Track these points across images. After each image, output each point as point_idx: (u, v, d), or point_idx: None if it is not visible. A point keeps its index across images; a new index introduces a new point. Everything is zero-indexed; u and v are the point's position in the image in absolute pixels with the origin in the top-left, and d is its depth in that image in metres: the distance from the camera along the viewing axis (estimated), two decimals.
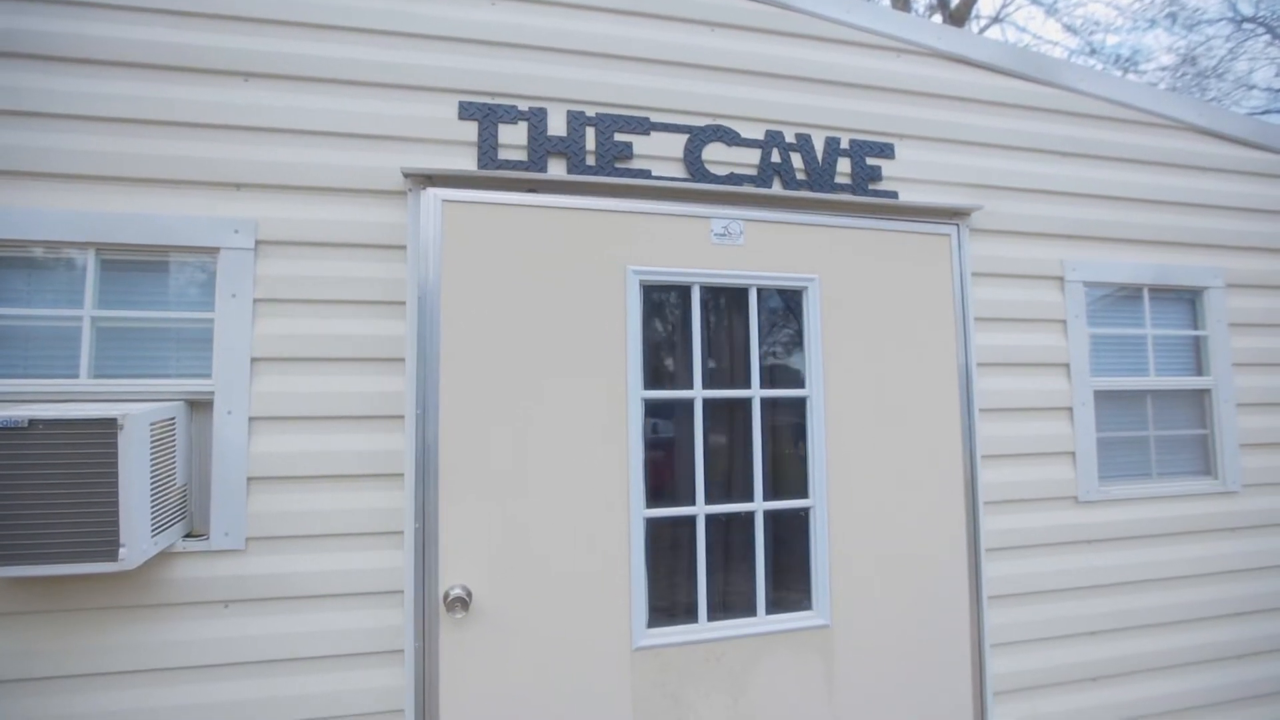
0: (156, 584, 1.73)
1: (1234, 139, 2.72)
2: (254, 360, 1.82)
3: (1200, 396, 2.64)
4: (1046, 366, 2.44)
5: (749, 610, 1.97)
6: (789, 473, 1.94)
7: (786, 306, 2.00)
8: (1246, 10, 12.60)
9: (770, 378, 2.05)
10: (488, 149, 2.00)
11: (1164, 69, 12.27)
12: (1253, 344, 2.66)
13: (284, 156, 1.89)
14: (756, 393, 1.98)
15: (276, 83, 1.90)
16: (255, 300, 1.83)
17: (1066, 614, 2.37)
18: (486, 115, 2.01)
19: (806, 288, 2.04)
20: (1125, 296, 2.60)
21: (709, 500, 1.95)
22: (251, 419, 1.81)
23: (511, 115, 2.03)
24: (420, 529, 1.85)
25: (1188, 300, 2.68)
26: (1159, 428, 2.60)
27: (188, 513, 1.81)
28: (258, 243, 1.85)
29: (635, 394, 1.90)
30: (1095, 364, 2.52)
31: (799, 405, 2.01)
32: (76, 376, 1.74)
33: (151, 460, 1.62)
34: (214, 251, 1.83)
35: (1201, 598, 2.49)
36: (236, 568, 1.78)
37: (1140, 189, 2.60)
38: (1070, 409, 2.44)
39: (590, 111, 2.09)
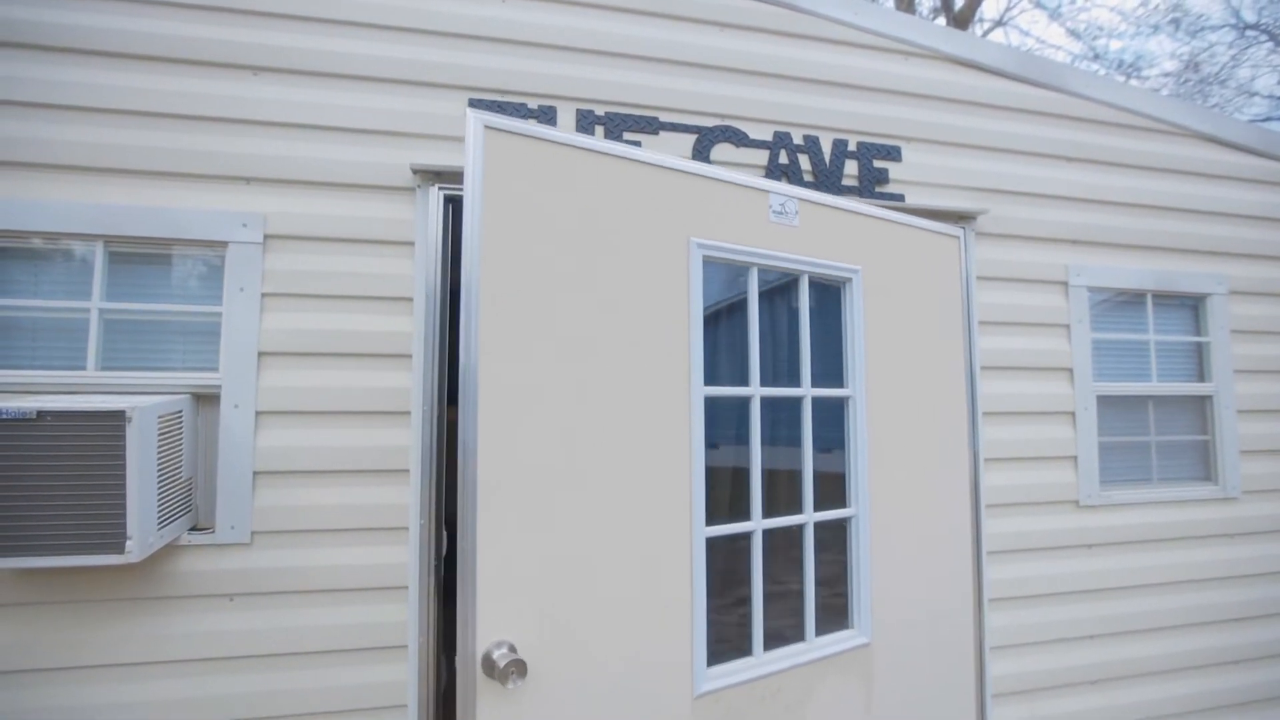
0: (161, 577, 1.73)
1: (1238, 146, 2.73)
2: (261, 354, 1.82)
3: (1201, 402, 2.65)
4: (1049, 371, 2.45)
5: (798, 635, 1.69)
6: (825, 479, 1.77)
7: (823, 300, 1.83)
8: (1249, 17, 12.62)
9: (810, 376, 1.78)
10: None
11: (1167, 75, 12.29)
12: (1254, 351, 2.67)
13: (292, 151, 1.89)
14: (808, 391, 1.74)
15: (285, 77, 1.90)
16: (263, 294, 1.84)
17: (1065, 617, 2.38)
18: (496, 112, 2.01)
19: (851, 279, 1.82)
20: (1128, 302, 2.61)
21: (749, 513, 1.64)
22: (258, 413, 1.81)
23: (521, 113, 2.03)
24: (426, 524, 1.85)
25: (1190, 306, 2.69)
26: (1160, 433, 2.61)
27: (193, 506, 1.82)
28: (266, 237, 1.85)
29: (697, 390, 1.55)
30: (1098, 369, 2.52)
31: (835, 406, 1.82)
32: (83, 369, 1.75)
33: (159, 453, 1.62)
34: (222, 245, 1.83)
35: (1200, 603, 2.51)
36: (242, 561, 1.78)
37: (1144, 195, 2.60)
38: (1073, 413, 2.45)
39: (600, 110, 2.10)
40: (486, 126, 1.29)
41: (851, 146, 2.31)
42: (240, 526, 1.78)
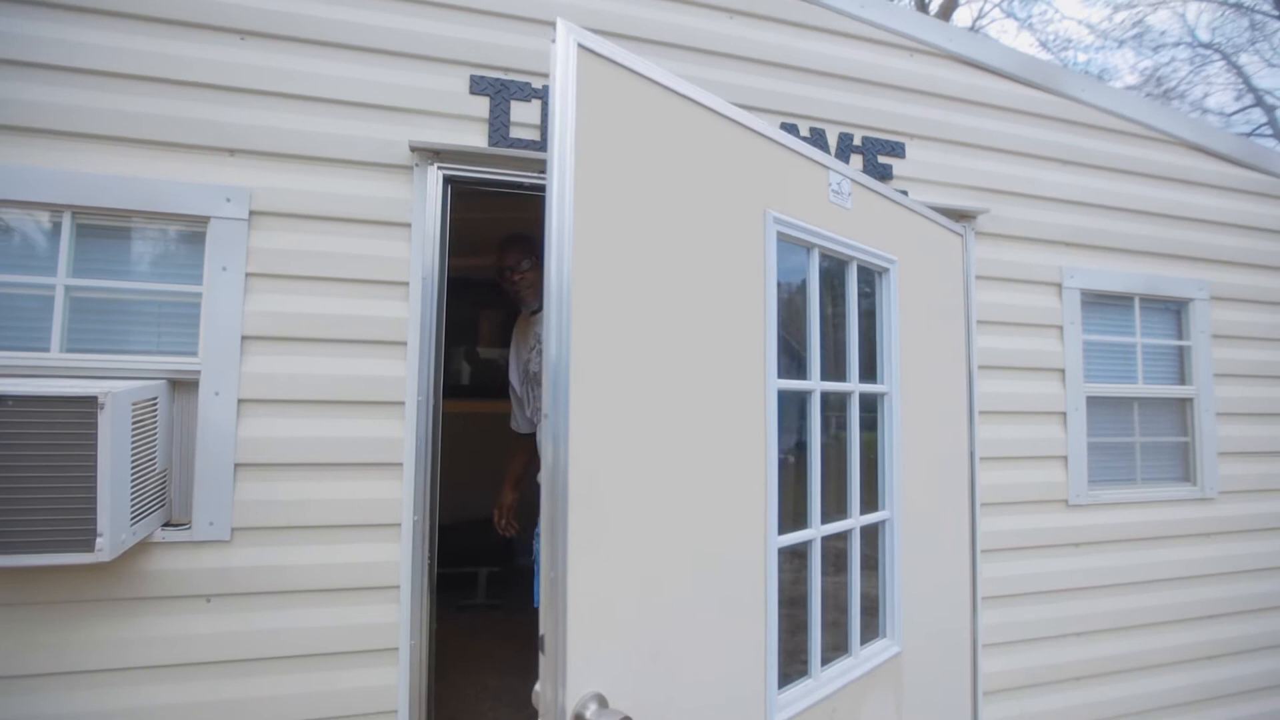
0: (133, 576, 1.61)
1: (1222, 156, 2.79)
2: (245, 339, 1.71)
3: (1182, 405, 2.71)
4: (1042, 371, 2.47)
5: (843, 648, 1.57)
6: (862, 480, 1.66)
7: (860, 290, 1.72)
8: (1204, 36, 13.15)
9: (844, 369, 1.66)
10: (499, 126, 1.91)
11: (1130, 88, 12.73)
12: (1233, 355, 2.74)
13: (281, 123, 1.77)
14: (856, 387, 1.62)
15: (274, 43, 1.78)
16: (248, 275, 1.72)
17: (1054, 615, 2.41)
18: (499, 91, 1.92)
19: (889, 270, 1.72)
20: (1113, 305, 2.65)
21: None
22: (241, 401, 1.69)
23: (525, 93, 1.94)
24: (420, 521, 1.76)
25: (1174, 311, 2.75)
26: (1143, 434, 2.66)
27: (167, 500, 1.69)
28: (252, 213, 1.73)
29: (772, 383, 1.37)
30: (1086, 370, 2.56)
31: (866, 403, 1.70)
32: (46, 350, 1.60)
33: (132, 442, 1.49)
34: (203, 221, 1.70)
35: (1179, 600, 2.56)
36: (221, 560, 1.66)
37: (1134, 200, 2.65)
38: (1064, 413, 2.48)
39: None
40: (580, 47, 1.00)
41: (857, 141, 2.28)
42: (219, 522, 1.66)
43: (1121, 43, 12.37)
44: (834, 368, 1.60)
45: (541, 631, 0.92)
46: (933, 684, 1.81)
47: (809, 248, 1.51)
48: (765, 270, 1.37)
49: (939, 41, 2.42)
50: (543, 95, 1.96)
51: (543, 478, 0.94)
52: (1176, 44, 12.96)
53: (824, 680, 1.47)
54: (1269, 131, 11.94)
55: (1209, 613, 2.59)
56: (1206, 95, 12.61)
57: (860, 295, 1.66)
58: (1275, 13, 11.57)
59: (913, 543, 1.73)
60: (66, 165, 1.63)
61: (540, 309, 2.23)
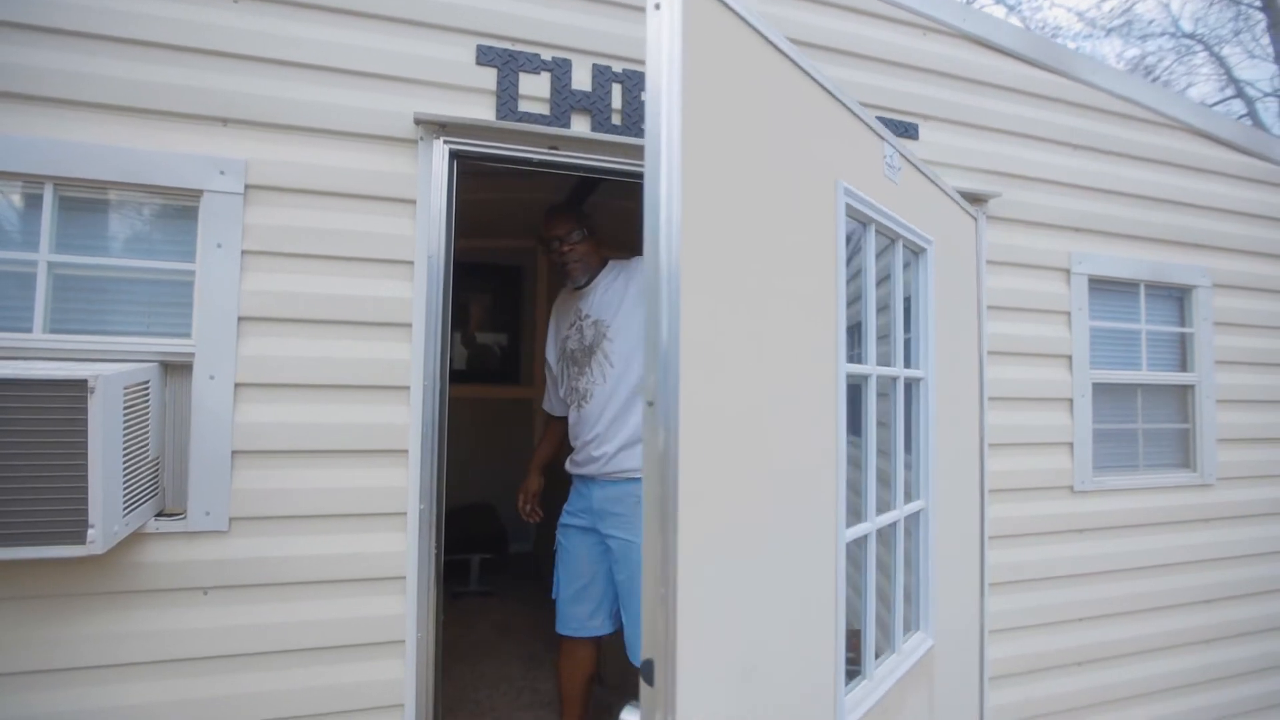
0: (126, 568, 1.53)
1: (1226, 143, 2.78)
2: (241, 319, 1.62)
3: (1183, 391, 2.72)
4: (1050, 357, 2.46)
5: (887, 644, 1.50)
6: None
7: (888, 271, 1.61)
8: (1187, 27, 13.25)
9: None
10: (507, 99, 1.83)
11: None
12: (1233, 343, 2.75)
13: (278, 91, 1.67)
14: (902, 372, 1.54)
15: (270, 7, 1.68)
16: (244, 252, 1.63)
17: (1058, 601, 2.41)
18: (507, 63, 1.83)
19: (927, 250, 1.64)
20: (1120, 291, 2.64)
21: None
22: (238, 385, 1.61)
23: (534, 65, 1.86)
24: (426, 510, 1.70)
25: (1176, 298, 2.75)
26: (1145, 421, 2.66)
27: (160, 489, 1.61)
28: (247, 187, 1.63)
29: (842, 365, 1.26)
30: (1092, 356, 2.55)
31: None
32: (29, 331, 1.51)
33: (124, 428, 1.41)
34: (195, 194, 1.61)
35: (1178, 585, 2.58)
36: (218, 550, 1.59)
37: (1142, 186, 2.63)
38: (1070, 400, 2.47)
39: (617, 67, 1.94)
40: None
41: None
42: (216, 512, 1.59)
43: (1109, 31, 12.42)
44: (881, 352, 1.52)
45: (646, 656, 0.81)
46: (949, 674, 1.79)
47: (866, 223, 1.40)
48: (836, 245, 1.26)
49: (952, 20, 2.37)
50: (552, 68, 1.88)
51: (647, 475, 0.81)
52: (1161, 34, 13.05)
53: (878, 680, 1.39)
54: (1249, 123, 12.11)
55: (1208, 597, 2.62)
56: (1190, 85, 12.73)
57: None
58: (1258, 4, 11.68)
59: (944, 531, 1.70)
60: (47, 133, 1.52)
61: (587, 284, 2.10)
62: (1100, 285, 2.58)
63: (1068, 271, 2.49)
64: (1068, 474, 2.45)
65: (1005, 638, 2.32)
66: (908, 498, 1.57)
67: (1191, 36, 13.08)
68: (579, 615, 2.04)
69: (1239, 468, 2.71)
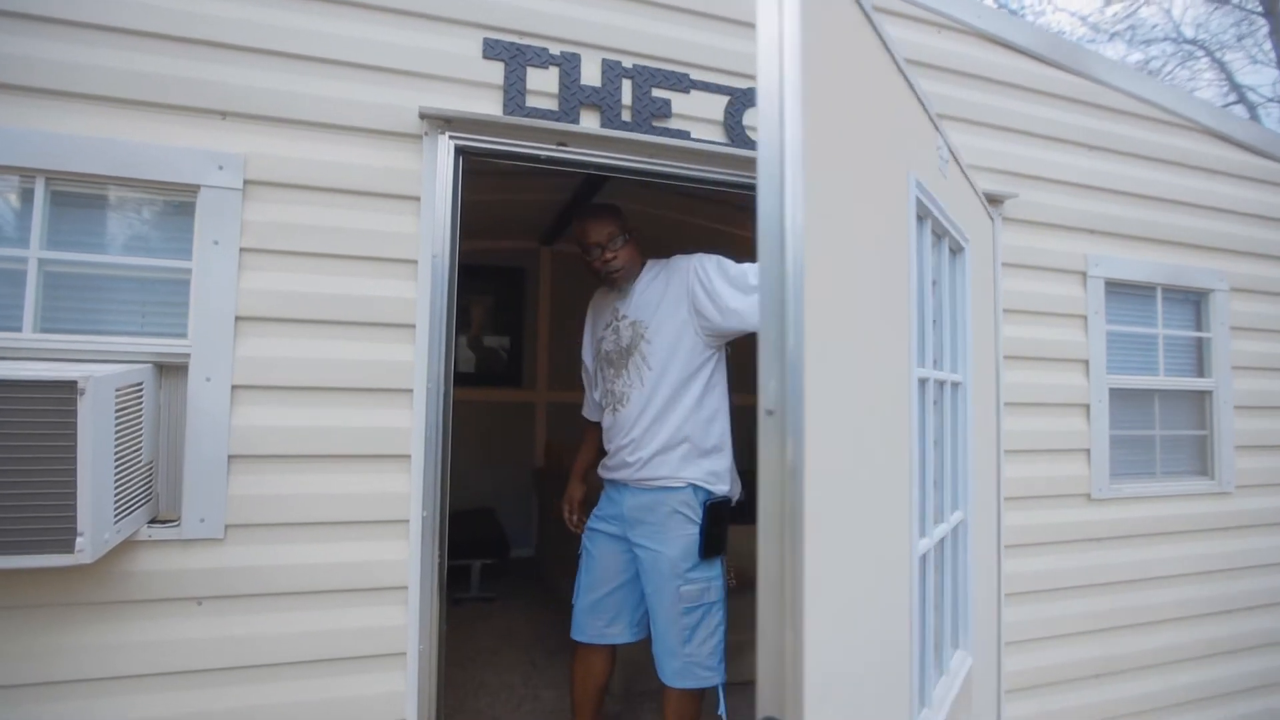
0: (118, 578, 1.47)
1: (1244, 145, 2.74)
2: (239, 319, 1.57)
3: (1200, 397, 2.67)
4: (1066, 362, 2.41)
5: (939, 664, 1.40)
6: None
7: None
8: (1189, 33, 13.24)
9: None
10: (514, 94, 1.78)
11: None
12: (1251, 348, 2.70)
13: (278, 84, 1.62)
14: (949, 376, 1.46)
15: None
16: (242, 249, 1.57)
17: (1075, 611, 2.35)
18: (514, 56, 1.78)
19: (965, 249, 1.57)
20: (1136, 295, 2.59)
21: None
22: (234, 387, 1.56)
23: (542, 59, 1.81)
24: (430, 517, 1.64)
25: (1193, 302, 2.70)
26: (1163, 427, 2.61)
27: (154, 494, 1.55)
28: (246, 182, 1.58)
29: (915, 369, 1.19)
30: (1109, 362, 2.49)
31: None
32: (19, 330, 1.45)
33: (116, 433, 1.35)
34: (192, 190, 1.55)
35: (1197, 595, 2.53)
36: (213, 559, 1.53)
37: (1158, 187, 2.58)
38: (1087, 405, 2.41)
39: (627, 63, 1.89)
40: None
41: None
42: (211, 519, 1.53)
43: (1112, 36, 12.40)
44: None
45: (768, 716, 0.71)
46: (977, 690, 1.73)
47: (924, 217, 1.30)
48: (909, 241, 1.18)
49: (967, 18, 2.32)
50: (560, 62, 1.83)
51: (765, 494, 0.72)
52: (1163, 39, 13.03)
53: (937, 705, 1.28)
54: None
55: (1228, 607, 2.56)
56: (1193, 91, 12.72)
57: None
58: (1260, 9, 11.67)
59: (979, 542, 1.63)
60: (39, 125, 1.47)
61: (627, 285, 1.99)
62: (1117, 289, 2.53)
63: (1084, 274, 2.44)
64: (1085, 481, 2.39)
65: (1021, 649, 2.27)
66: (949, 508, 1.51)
67: (1193, 42, 13.08)
68: (596, 624, 1.97)
69: (1258, 475, 2.66)
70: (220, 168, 1.56)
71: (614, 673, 2.06)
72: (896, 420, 1.12)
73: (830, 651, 0.80)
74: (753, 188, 1.93)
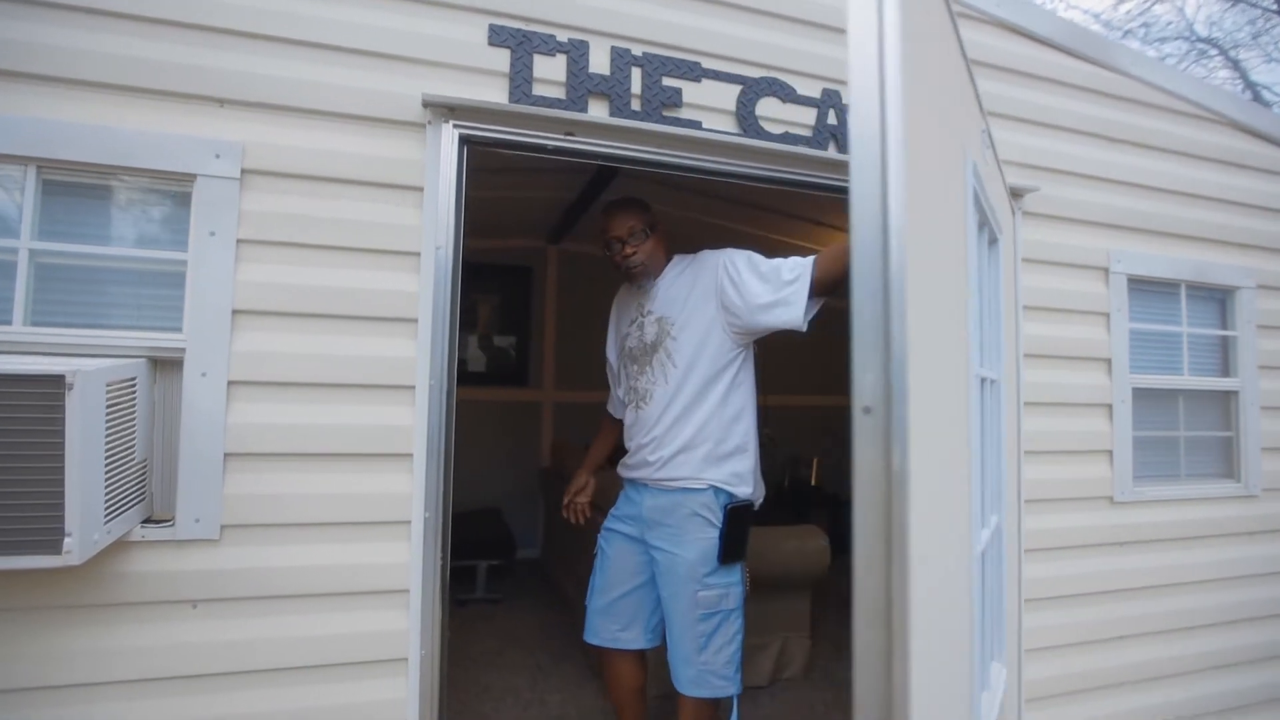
0: (109, 579, 1.42)
1: (1272, 139, 2.66)
2: (235, 313, 1.52)
3: (1226, 398, 2.59)
4: (1088, 361, 2.33)
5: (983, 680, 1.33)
6: None
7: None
8: (1202, 31, 13.08)
9: None
10: (520, 82, 1.72)
11: None
12: (1278, 347, 2.62)
13: (278, 70, 1.57)
14: (990, 373, 1.41)
15: None
16: (239, 241, 1.52)
17: (1097, 618, 2.28)
18: (521, 43, 1.73)
19: (999, 240, 1.53)
20: (1160, 292, 2.51)
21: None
22: (231, 383, 1.51)
23: (549, 46, 1.75)
24: (432, 518, 1.59)
25: (1219, 299, 2.62)
26: (1187, 428, 2.53)
27: (148, 493, 1.50)
28: (244, 172, 1.53)
29: (975, 368, 1.15)
30: (1131, 361, 2.42)
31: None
32: (9, 323, 1.41)
33: (107, 429, 1.31)
34: (189, 179, 1.51)
35: (1223, 602, 2.45)
36: (208, 561, 1.48)
37: (1183, 181, 2.51)
38: (1110, 405, 2.34)
39: (636, 50, 1.84)
40: None
41: None
42: (207, 519, 1.48)
43: (1125, 33, 12.25)
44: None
45: None
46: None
47: (977, 204, 1.26)
48: (967, 229, 1.13)
49: (987, 7, 2.26)
50: (568, 50, 1.77)
51: (861, 501, 0.65)
52: (1176, 38, 12.87)
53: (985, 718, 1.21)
54: None
55: (1254, 614, 2.48)
56: None
57: None
58: (1275, 7, 11.51)
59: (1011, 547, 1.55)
60: (30, 111, 1.42)
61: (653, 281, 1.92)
62: (1140, 285, 2.45)
63: (1106, 270, 2.37)
64: (1107, 483, 2.32)
65: (1041, 657, 2.19)
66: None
67: (1207, 41, 12.92)
68: (609, 628, 1.89)
69: None
70: (217, 156, 1.51)
71: (646, 673, 1.97)
72: (962, 419, 1.05)
73: (931, 688, 0.73)
74: (765, 179, 1.89)
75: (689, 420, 1.78)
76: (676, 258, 1.94)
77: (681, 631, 1.75)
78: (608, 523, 1.97)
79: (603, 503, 2.03)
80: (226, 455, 1.50)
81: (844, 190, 1.91)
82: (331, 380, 1.57)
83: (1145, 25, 11.97)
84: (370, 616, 1.57)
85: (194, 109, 1.52)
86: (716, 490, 1.76)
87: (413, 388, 1.61)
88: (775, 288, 1.70)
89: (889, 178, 0.68)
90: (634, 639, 1.88)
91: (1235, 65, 12.64)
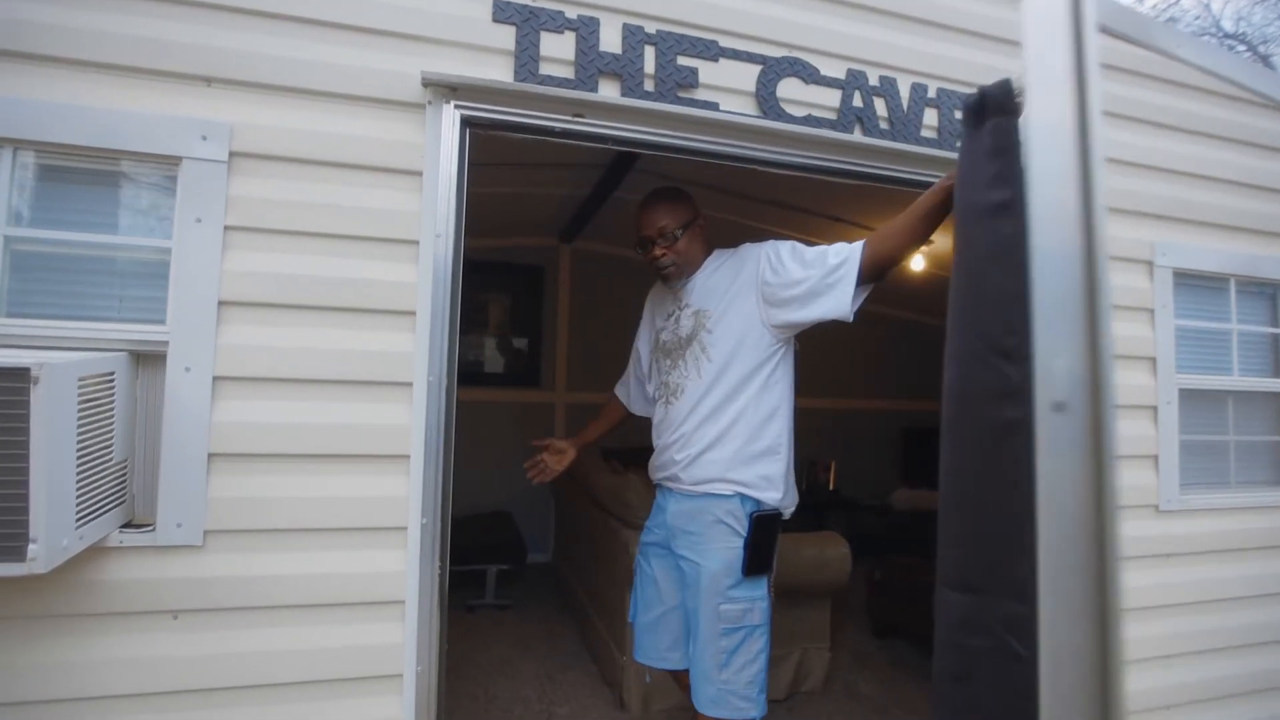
0: (84, 588, 1.33)
1: None
2: (222, 304, 1.42)
3: (1277, 400, 2.42)
4: (1132, 359, 2.19)
5: None
6: None
7: None
8: (1229, 27, 12.78)
9: None
10: (527, 60, 1.62)
11: None
12: None
13: (269, 48, 1.48)
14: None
15: None
16: (226, 228, 1.43)
17: (1142, 634, 2.13)
18: (527, 20, 1.63)
19: None
20: (1207, 287, 2.36)
21: None
22: (216, 379, 1.41)
23: (557, 23, 1.65)
24: (430, 524, 1.49)
25: (1269, 295, 2.46)
26: (1237, 432, 2.37)
27: (128, 496, 1.42)
28: (232, 155, 1.44)
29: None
30: (1178, 360, 2.27)
31: None
32: None
33: (80, 426, 1.22)
34: (173, 162, 1.42)
35: (1276, 619, 2.29)
36: (190, 568, 1.39)
37: (1232, 170, 2.35)
38: (1155, 408, 2.19)
39: (650, 28, 1.73)
40: None
41: (931, 93, 1.99)
42: (189, 524, 1.39)
43: None
44: None
45: None
46: None
47: None
48: None
49: None
50: (577, 27, 1.67)
51: (1050, 525, 0.55)
52: (1203, 34, 12.58)
53: None
54: None
55: None
56: None
57: None
58: None
59: None
60: (6, 91, 1.34)
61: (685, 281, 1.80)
62: (1186, 280, 2.30)
63: (1150, 264, 2.22)
64: (1152, 491, 2.17)
65: None
66: None
67: (1234, 36, 12.62)
68: (656, 646, 1.78)
69: None
70: (204, 138, 1.42)
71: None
72: None
73: None
74: (787, 165, 1.77)
75: (719, 418, 1.65)
76: (716, 252, 1.81)
77: (703, 646, 1.62)
78: (643, 535, 1.86)
79: (614, 507, 1.93)
80: (211, 456, 1.41)
81: (871, 177, 1.78)
82: (323, 376, 1.47)
83: (1172, 20, 11.71)
84: (363, 629, 1.46)
85: (179, 88, 1.43)
86: (743, 498, 1.64)
87: (410, 385, 1.51)
88: (821, 274, 1.56)
89: (1093, 159, 0.64)
90: (681, 660, 1.74)
91: (1264, 61, 12.33)
